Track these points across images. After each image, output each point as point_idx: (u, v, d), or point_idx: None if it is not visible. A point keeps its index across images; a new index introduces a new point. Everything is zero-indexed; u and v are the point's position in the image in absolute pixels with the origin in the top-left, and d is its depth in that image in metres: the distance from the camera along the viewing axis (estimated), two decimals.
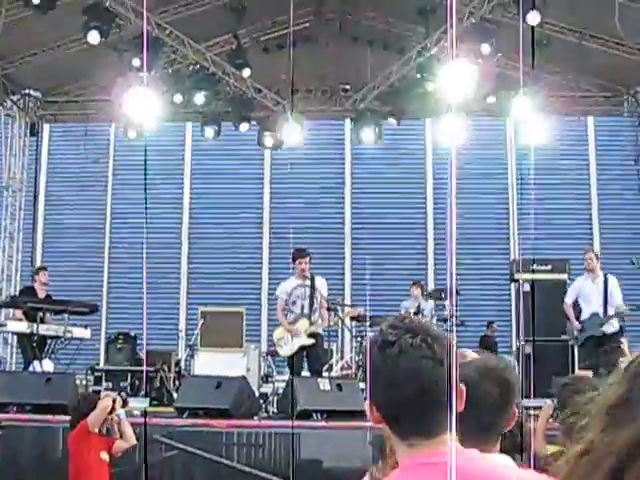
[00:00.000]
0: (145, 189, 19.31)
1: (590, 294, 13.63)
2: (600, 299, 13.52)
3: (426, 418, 2.11)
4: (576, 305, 13.91)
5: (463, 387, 2.16)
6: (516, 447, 3.32)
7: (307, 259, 12.56)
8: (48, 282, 14.79)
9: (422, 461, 2.09)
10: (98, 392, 15.21)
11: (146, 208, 21.03)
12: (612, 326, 13.56)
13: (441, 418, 2.10)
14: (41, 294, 14.39)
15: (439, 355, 2.11)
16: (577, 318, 13.78)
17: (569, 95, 18.21)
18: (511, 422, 2.72)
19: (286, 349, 12.37)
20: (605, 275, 13.78)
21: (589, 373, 11.33)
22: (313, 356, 12.47)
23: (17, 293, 16.45)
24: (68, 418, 8.53)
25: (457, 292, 16.62)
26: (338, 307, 13.65)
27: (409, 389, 2.09)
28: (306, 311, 12.38)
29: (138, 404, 14.12)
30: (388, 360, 2.12)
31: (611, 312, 13.50)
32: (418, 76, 16.39)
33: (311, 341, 12.25)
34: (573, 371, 14.07)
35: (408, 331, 2.14)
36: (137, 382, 15.61)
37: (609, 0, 14.10)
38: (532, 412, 7.55)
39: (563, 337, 14.46)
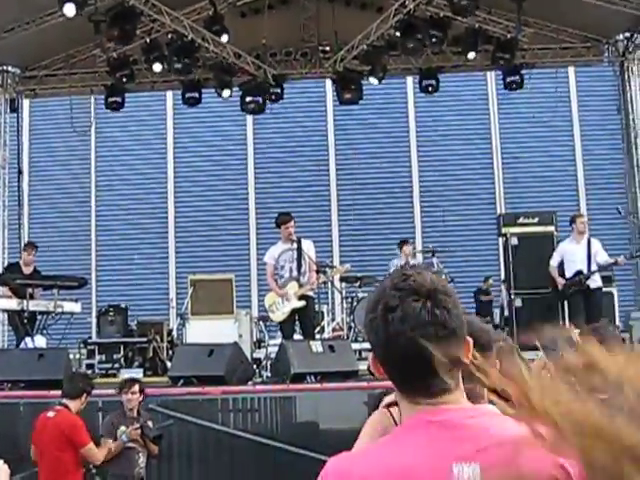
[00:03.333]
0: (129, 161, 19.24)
1: (574, 254, 14.08)
2: (584, 258, 13.91)
3: (429, 380, 2.11)
4: (561, 267, 14.28)
5: (470, 340, 2.17)
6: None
7: (292, 223, 12.55)
8: (32, 261, 14.73)
9: (427, 419, 2.10)
10: (92, 366, 15.33)
11: (129, 180, 21.03)
12: (595, 281, 14.04)
13: (445, 378, 2.12)
14: (26, 270, 14.35)
15: (441, 318, 2.10)
16: (562, 277, 14.13)
17: (549, 47, 18.15)
18: None
19: (278, 314, 12.39)
20: (589, 238, 14.19)
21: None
22: (305, 319, 12.50)
23: (2, 270, 16.36)
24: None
25: (441, 251, 16.72)
26: (327, 268, 13.66)
27: (410, 355, 2.08)
28: (294, 274, 12.40)
29: (133, 375, 14.19)
30: (390, 326, 2.10)
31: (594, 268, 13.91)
32: (397, 34, 16.33)
33: (302, 303, 12.27)
34: (564, 323, 14.21)
35: (411, 293, 2.12)
36: (130, 353, 15.65)
37: None
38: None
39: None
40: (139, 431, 8.80)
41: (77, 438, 8.05)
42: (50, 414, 8.23)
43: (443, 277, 15.66)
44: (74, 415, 8.25)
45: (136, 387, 9.09)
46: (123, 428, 8.71)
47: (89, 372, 14.87)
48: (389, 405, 4.08)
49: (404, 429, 2.16)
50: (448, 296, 2.14)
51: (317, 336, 13.83)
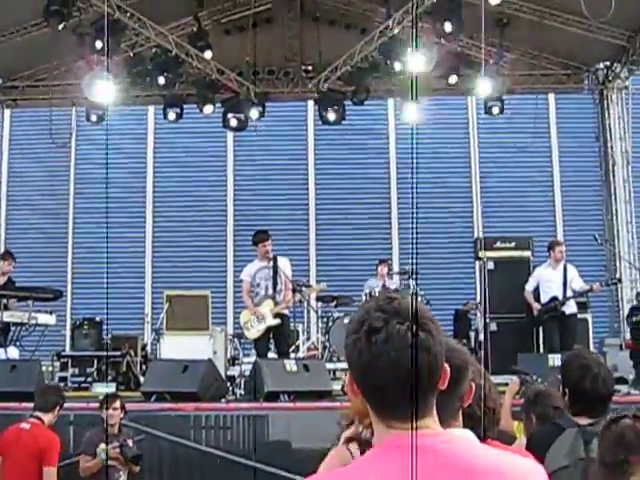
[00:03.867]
0: (107, 174, 19.20)
1: (550, 280, 14.18)
2: (560, 284, 13.98)
3: (406, 403, 2.10)
4: (537, 292, 14.38)
5: (448, 368, 2.17)
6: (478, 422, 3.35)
7: (269, 241, 12.57)
8: (9, 271, 14.61)
9: (399, 443, 2.10)
10: (64, 379, 15.23)
11: (107, 193, 20.96)
12: (570, 307, 14.12)
13: (423, 405, 2.12)
14: (1, 280, 14.26)
15: (425, 342, 2.10)
16: (537, 302, 14.25)
17: (530, 73, 18.28)
18: (467, 400, 2.75)
19: (253, 331, 12.38)
20: (565, 264, 14.27)
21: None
22: (279, 337, 12.49)
23: None
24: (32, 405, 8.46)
25: (416, 273, 16.72)
26: (303, 287, 13.66)
27: (392, 377, 2.08)
28: (270, 292, 12.40)
29: (105, 389, 14.11)
30: (373, 347, 2.09)
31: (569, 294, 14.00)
32: (380, 57, 16.41)
33: (277, 321, 12.27)
34: (538, 349, 14.29)
35: (396, 315, 2.11)
36: (103, 367, 15.57)
37: None
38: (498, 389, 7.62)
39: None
40: (118, 450, 8.73)
41: (49, 456, 7.87)
42: (25, 426, 8.03)
43: (420, 299, 15.76)
44: (51, 432, 8.12)
45: (117, 403, 8.99)
46: (103, 446, 8.63)
47: (62, 385, 14.81)
48: (348, 440, 4.12)
49: (377, 453, 2.15)
50: (432, 322, 2.15)
51: (292, 355, 13.83)
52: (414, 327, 2.10)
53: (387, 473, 2.06)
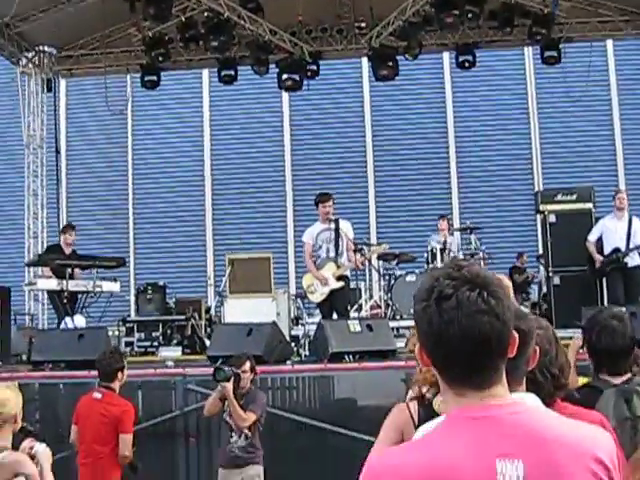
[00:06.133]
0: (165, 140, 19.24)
1: (613, 231, 13.89)
2: (623, 235, 13.71)
3: (478, 371, 2.12)
4: (600, 243, 14.14)
5: (516, 335, 2.16)
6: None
7: (330, 202, 12.48)
8: (74, 242, 14.79)
9: (471, 415, 2.09)
10: (131, 344, 15.45)
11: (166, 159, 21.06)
12: (634, 259, 13.82)
13: (493, 371, 2.13)
14: (67, 250, 14.43)
15: (495, 309, 2.09)
16: (600, 254, 13.99)
17: (587, 20, 17.94)
18: (531, 364, 2.73)
19: (317, 295, 12.37)
20: (630, 216, 13.96)
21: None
22: (339, 298, 12.45)
23: (44, 250, 16.51)
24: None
25: (477, 229, 16.59)
26: (364, 247, 13.61)
27: (463, 344, 2.08)
28: (332, 254, 12.37)
29: (171, 353, 14.29)
30: (444, 314, 2.09)
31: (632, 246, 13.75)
32: (433, 11, 16.22)
33: (340, 284, 12.25)
34: (602, 302, 14.11)
35: (466, 282, 2.11)
36: (169, 331, 15.74)
37: None
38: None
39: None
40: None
41: (124, 424, 7.92)
42: (96, 395, 8.06)
43: (480, 254, 15.68)
44: (124, 400, 8.16)
45: (247, 365, 8.63)
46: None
47: (127, 350, 15.01)
48: (412, 399, 4.13)
49: (449, 424, 2.15)
50: (501, 288, 2.14)
51: (355, 314, 13.84)
52: (484, 294, 2.09)
53: (461, 444, 2.07)
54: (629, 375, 4.49)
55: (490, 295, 2.11)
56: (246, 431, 8.38)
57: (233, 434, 8.44)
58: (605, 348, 4.53)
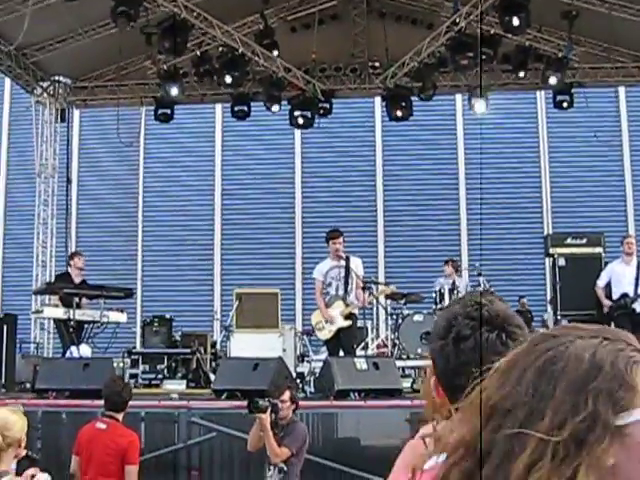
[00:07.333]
0: (176, 172, 19.30)
1: (622, 275, 13.90)
2: (632, 280, 13.68)
3: None
4: (609, 289, 14.11)
5: None
6: None
7: (340, 239, 12.46)
8: (84, 267, 14.82)
9: None
10: (135, 376, 15.39)
11: (176, 192, 21.08)
12: None
13: None
14: (77, 279, 14.42)
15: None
16: (609, 298, 13.96)
17: (600, 66, 17.99)
18: None
19: (325, 332, 12.35)
20: (639, 261, 14.01)
21: None
22: (346, 336, 12.42)
23: (53, 279, 16.51)
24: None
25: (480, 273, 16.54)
26: (372, 285, 13.57)
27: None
28: (341, 292, 12.33)
29: (175, 386, 14.23)
30: (461, 355, 2.09)
31: None
32: (447, 52, 16.28)
33: (348, 322, 12.23)
34: None
35: (484, 323, 2.11)
36: (174, 364, 15.69)
37: None
38: None
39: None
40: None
41: (130, 455, 7.76)
42: (100, 426, 7.90)
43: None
44: (130, 430, 8.03)
45: (286, 395, 8.32)
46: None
47: (132, 381, 14.95)
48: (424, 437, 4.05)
49: None
50: (520, 329, 2.12)
51: (361, 352, 13.79)
52: (502, 336, 2.07)
53: None
54: None
55: (509, 337, 2.10)
56: (281, 464, 8.08)
57: (271, 467, 8.16)
58: None
